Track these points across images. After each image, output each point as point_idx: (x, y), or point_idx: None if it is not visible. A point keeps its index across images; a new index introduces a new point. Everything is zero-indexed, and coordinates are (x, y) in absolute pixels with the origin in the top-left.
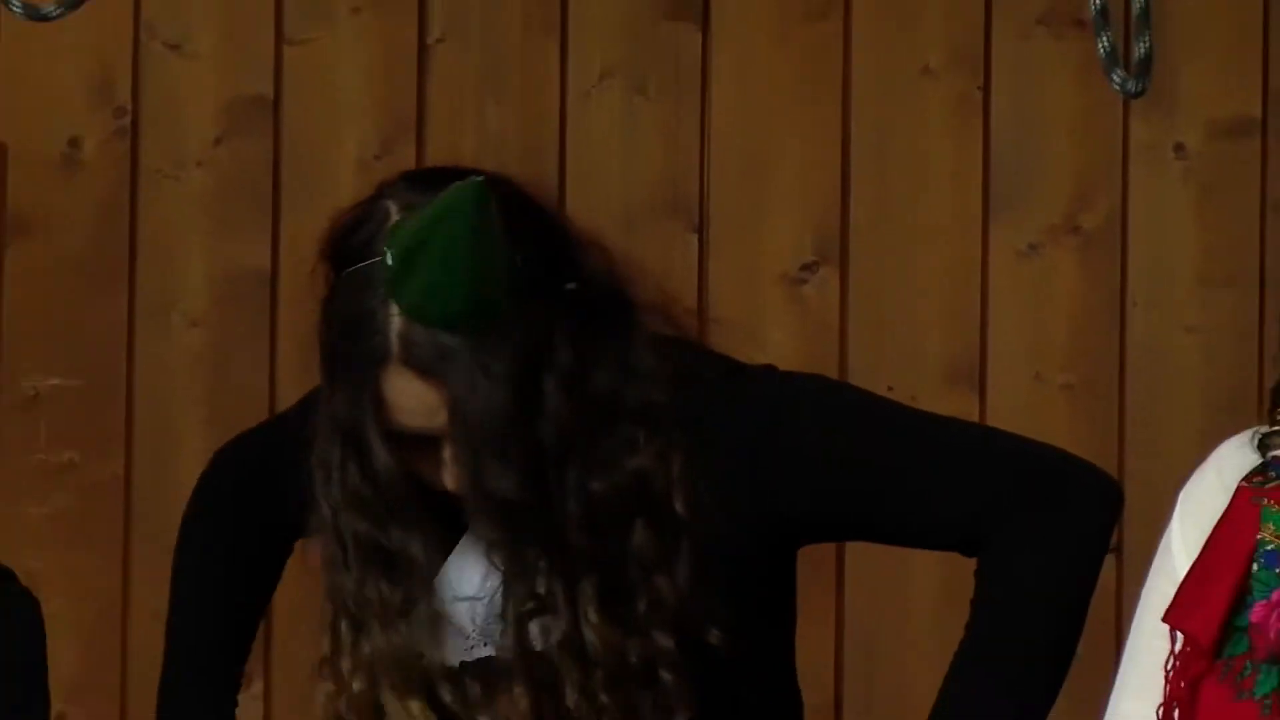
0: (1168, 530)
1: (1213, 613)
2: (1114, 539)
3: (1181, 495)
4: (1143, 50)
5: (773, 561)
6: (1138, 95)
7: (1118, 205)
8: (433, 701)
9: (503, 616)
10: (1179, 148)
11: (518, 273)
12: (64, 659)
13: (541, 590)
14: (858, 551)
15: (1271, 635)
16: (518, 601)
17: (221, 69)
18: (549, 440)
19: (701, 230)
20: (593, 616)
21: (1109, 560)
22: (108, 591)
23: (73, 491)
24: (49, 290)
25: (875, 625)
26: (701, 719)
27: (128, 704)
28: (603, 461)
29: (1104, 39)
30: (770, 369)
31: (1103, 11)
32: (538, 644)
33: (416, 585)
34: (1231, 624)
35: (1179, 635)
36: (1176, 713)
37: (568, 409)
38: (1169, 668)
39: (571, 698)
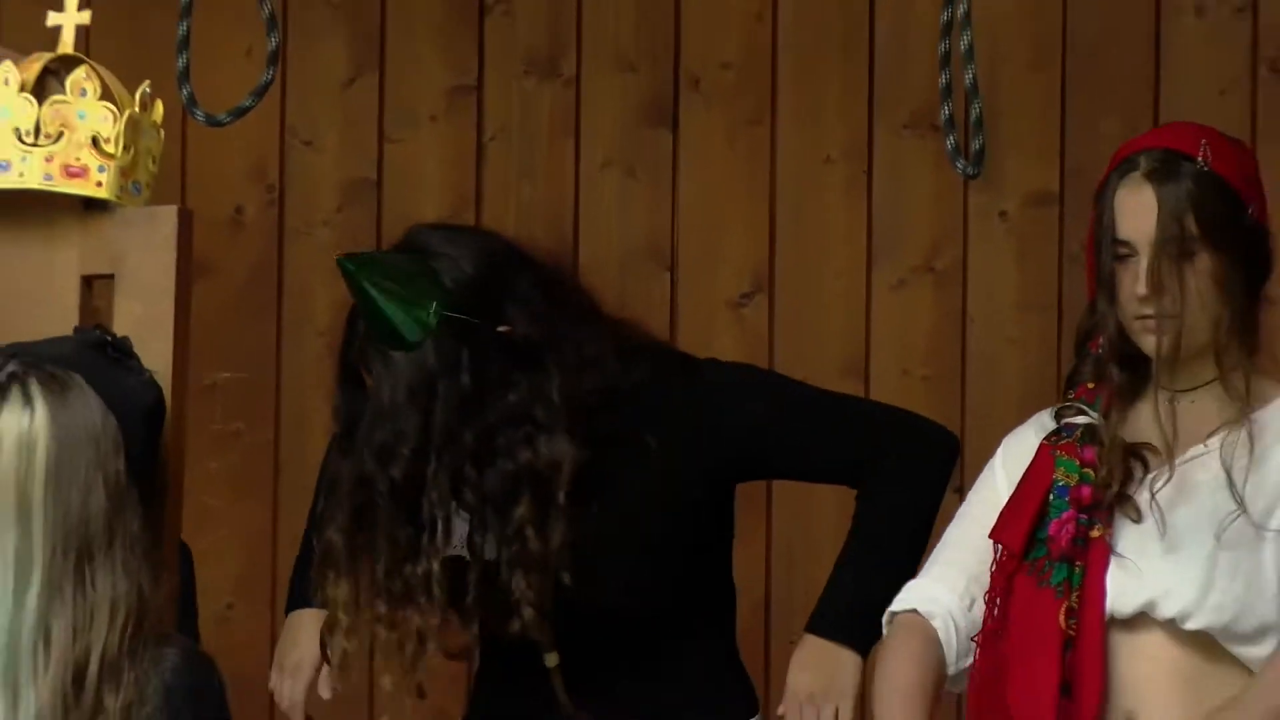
0: (990, 463)
1: (1021, 529)
2: (958, 482)
3: (1005, 441)
4: (977, 146)
5: (718, 494)
6: (974, 177)
7: (960, 253)
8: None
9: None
10: (1002, 214)
11: (427, 317)
12: (232, 568)
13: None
14: (779, 488)
15: (1062, 543)
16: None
17: (340, 159)
18: (434, 428)
19: (673, 270)
20: (490, 551)
21: (954, 497)
22: (262, 522)
23: (238, 452)
24: (223, 312)
25: (792, 543)
26: (671, 607)
27: (276, 599)
28: (495, 453)
29: (950, 139)
30: (714, 360)
31: (949, 119)
32: (483, 553)
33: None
34: (1035, 537)
35: (999, 546)
36: (999, 599)
37: (452, 414)
38: (992, 568)
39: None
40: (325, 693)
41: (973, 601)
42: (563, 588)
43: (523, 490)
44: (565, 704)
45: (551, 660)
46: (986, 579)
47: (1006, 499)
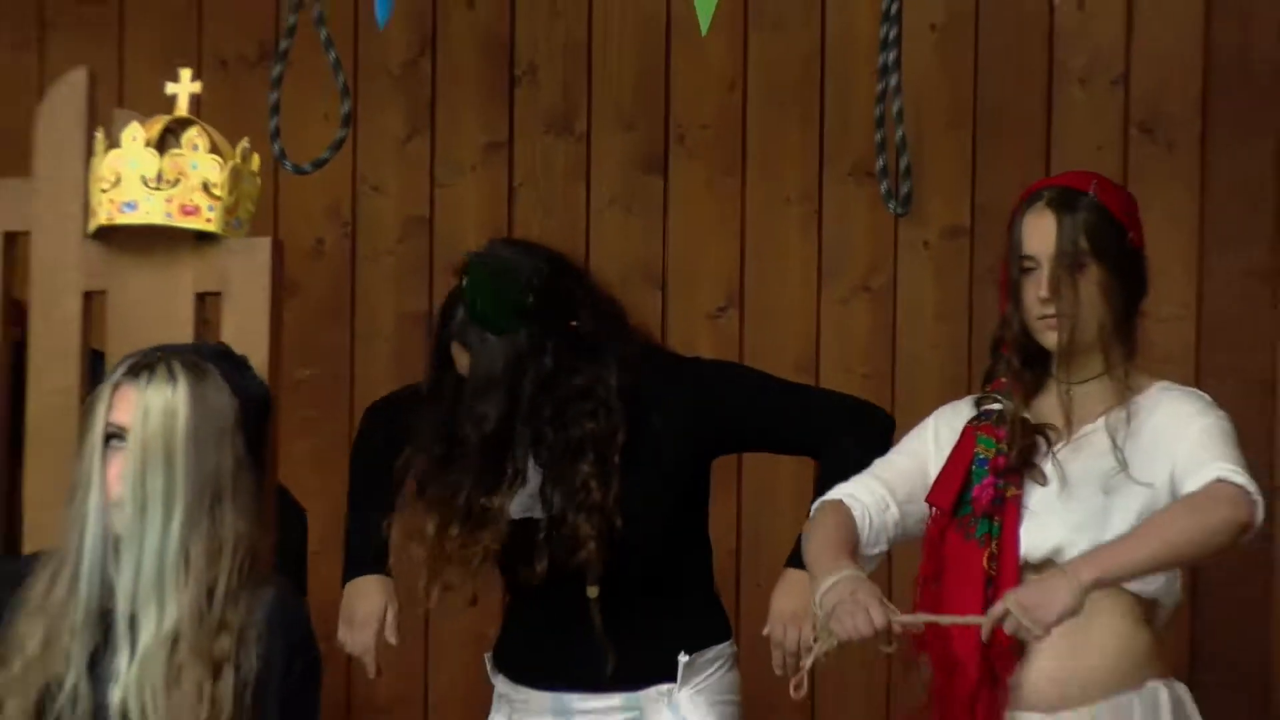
0: (925, 421)
1: (951, 493)
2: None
3: (941, 410)
4: (905, 190)
5: (703, 464)
6: (903, 215)
7: (891, 276)
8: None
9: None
10: (925, 243)
11: (526, 309)
12: (313, 527)
13: (552, 485)
14: (747, 460)
15: (984, 502)
16: (546, 494)
17: (400, 201)
18: (521, 401)
19: (663, 288)
20: (558, 501)
21: None
22: (337, 496)
23: (319, 436)
24: (307, 322)
25: (759, 505)
26: (660, 555)
27: None
28: (566, 422)
29: (884, 184)
30: (698, 358)
31: (883, 169)
32: (552, 509)
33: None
34: (962, 499)
35: (934, 507)
36: (934, 549)
37: (535, 389)
38: (927, 525)
39: (561, 549)
40: (392, 639)
41: (887, 506)
42: (614, 530)
43: (587, 452)
44: (599, 629)
45: (593, 592)
46: (901, 494)
47: (933, 450)
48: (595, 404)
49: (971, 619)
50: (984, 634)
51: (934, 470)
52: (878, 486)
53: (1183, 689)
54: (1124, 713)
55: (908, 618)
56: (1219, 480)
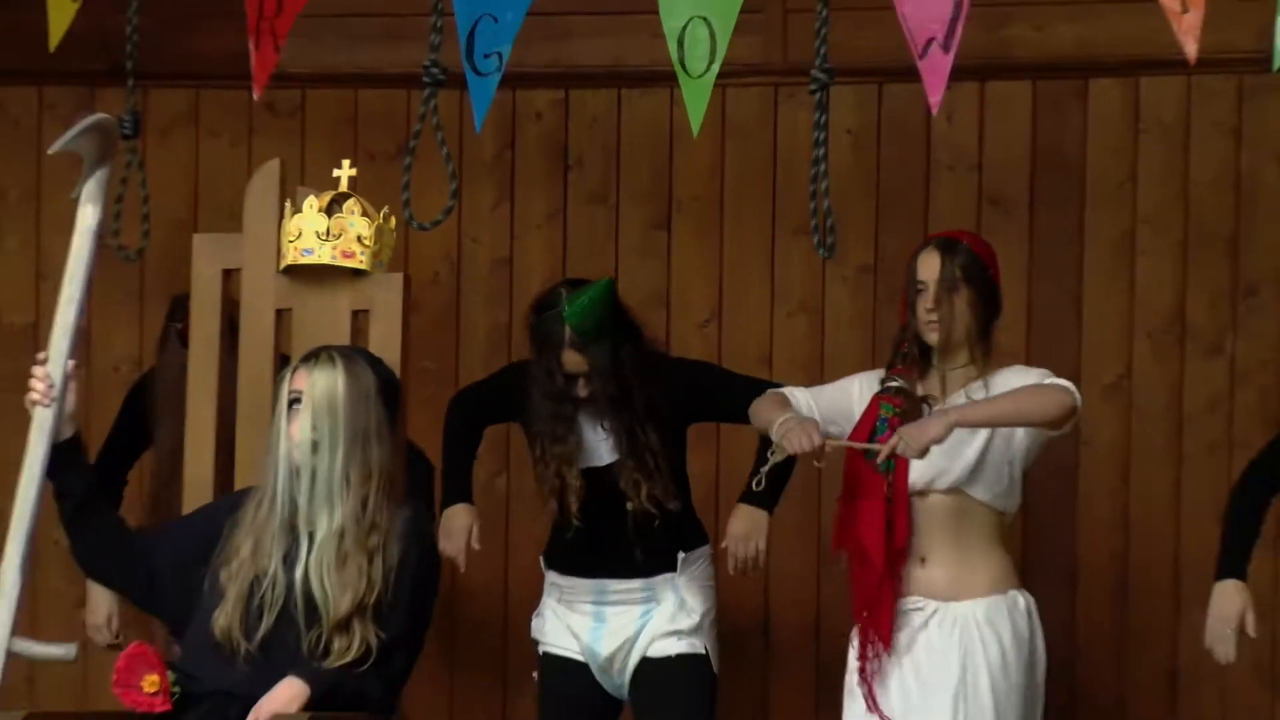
0: (852, 377)
1: (862, 437)
2: None
3: (864, 373)
4: (831, 240)
5: (685, 427)
6: (829, 258)
7: (821, 299)
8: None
9: (615, 447)
10: (844, 277)
11: (614, 321)
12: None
13: (624, 438)
14: (724, 427)
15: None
16: (620, 444)
17: (490, 249)
18: (620, 379)
19: (667, 308)
20: (622, 449)
21: None
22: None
23: (430, 404)
24: (426, 332)
25: (732, 463)
26: (665, 485)
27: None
28: (632, 398)
29: (816, 237)
30: (685, 359)
31: (816, 226)
32: (623, 456)
33: (572, 431)
34: (871, 439)
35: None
36: (850, 477)
37: (621, 374)
38: (845, 462)
39: (629, 481)
40: (476, 546)
41: (812, 410)
42: (655, 469)
43: (642, 419)
44: (631, 534)
45: (632, 506)
46: (821, 410)
47: (855, 395)
48: (648, 390)
49: (875, 446)
50: (882, 456)
51: (855, 409)
52: (807, 397)
53: (1030, 598)
54: (995, 610)
55: (836, 442)
56: (1053, 381)
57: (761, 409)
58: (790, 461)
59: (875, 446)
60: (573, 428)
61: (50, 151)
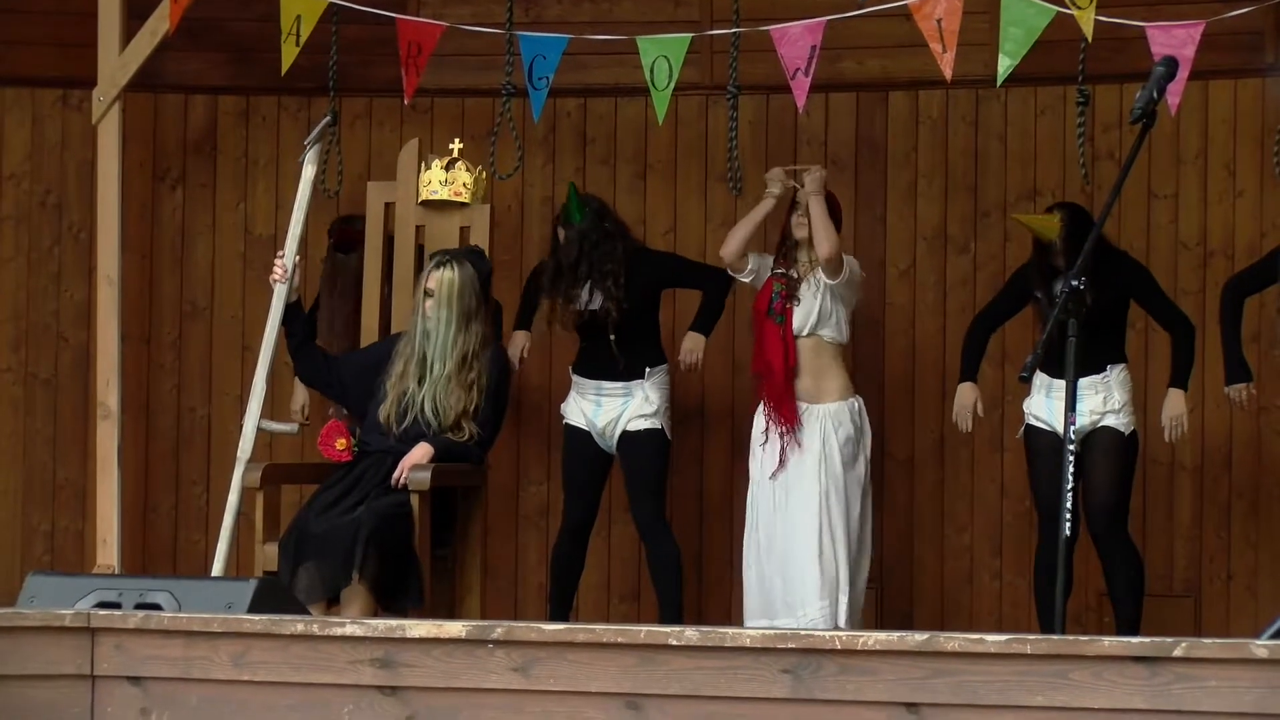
0: (765, 255)
1: (764, 304)
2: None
3: (765, 255)
4: (739, 184)
5: (657, 288)
6: (737, 194)
7: (733, 219)
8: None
9: (601, 299)
10: (745, 205)
11: (597, 219)
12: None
13: (607, 294)
14: (679, 296)
15: (778, 309)
16: (604, 296)
17: (541, 191)
18: (589, 250)
19: (644, 225)
20: (602, 298)
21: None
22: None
23: (505, 278)
24: (504, 240)
25: (684, 318)
26: (636, 323)
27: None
28: (604, 264)
29: (730, 181)
30: (655, 250)
31: (731, 176)
32: (616, 297)
33: (575, 288)
34: (770, 309)
35: (758, 309)
36: (759, 329)
37: (602, 244)
38: (751, 318)
39: (610, 321)
40: (525, 355)
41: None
42: (621, 309)
43: (619, 275)
44: (614, 352)
45: (613, 337)
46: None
47: (759, 265)
48: (619, 257)
49: (800, 170)
50: (806, 183)
51: (762, 271)
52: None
53: (861, 400)
54: (845, 410)
55: (790, 180)
56: (841, 253)
57: (733, 232)
58: (725, 298)
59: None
60: (575, 286)
61: (305, 144)
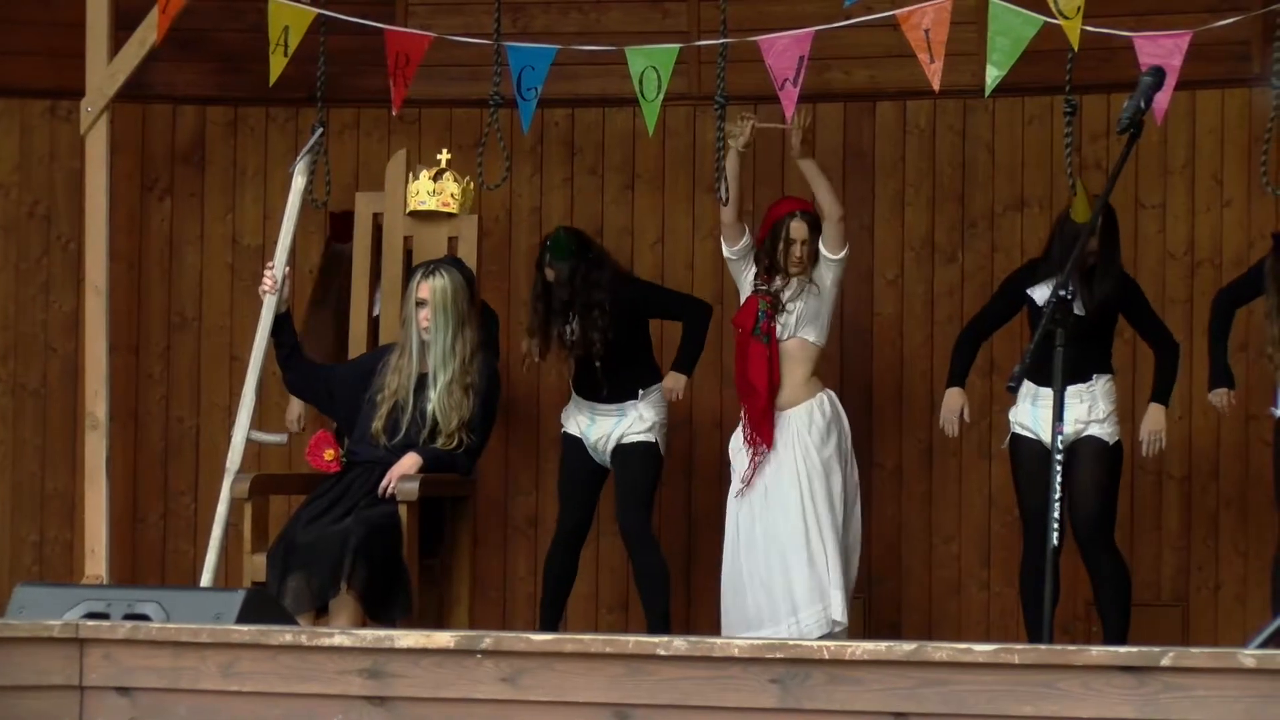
0: (749, 264)
1: (749, 322)
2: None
3: (749, 269)
4: (726, 194)
5: (642, 319)
6: (725, 204)
7: (720, 230)
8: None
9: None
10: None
11: (581, 254)
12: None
13: (587, 328)
14: (667, 329)
15: (763, 328)
16: (586, 329)
17: (529, 200)
18: (579, 288)
19: (632, 236)
20: (591, 329)
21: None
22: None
23: (492, 289)
24: (492, 250)
25: (671, 344)
26: (624, 352)
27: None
28: (594, 298)
29: (717, 191)
30: (638, 279)
31: (718, 187)
32: (596, 330)
33: (566, 321)
34: (756, 327)
35: (739, 328)
36: (741, 349)
37: (588, 282)
38: (736, 339)
39: (594, 353)
40: (538, 358)
41: (749, 252)
42: (605, 340)
43: (604, 304)
44: (600, 377)
45: (598, 364)
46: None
47: (750, 276)
48: (602, 290)
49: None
50: (791, 127)
51: (745, 286)
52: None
53: (833, 394)
54: (819, 405)
55: (763, 124)
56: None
57: (727, 220)
58: (705, 330)
59: (788, 126)
60: (565, 319)
61: (297, 159)
